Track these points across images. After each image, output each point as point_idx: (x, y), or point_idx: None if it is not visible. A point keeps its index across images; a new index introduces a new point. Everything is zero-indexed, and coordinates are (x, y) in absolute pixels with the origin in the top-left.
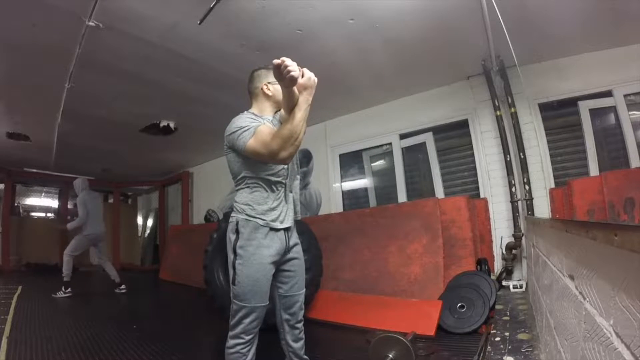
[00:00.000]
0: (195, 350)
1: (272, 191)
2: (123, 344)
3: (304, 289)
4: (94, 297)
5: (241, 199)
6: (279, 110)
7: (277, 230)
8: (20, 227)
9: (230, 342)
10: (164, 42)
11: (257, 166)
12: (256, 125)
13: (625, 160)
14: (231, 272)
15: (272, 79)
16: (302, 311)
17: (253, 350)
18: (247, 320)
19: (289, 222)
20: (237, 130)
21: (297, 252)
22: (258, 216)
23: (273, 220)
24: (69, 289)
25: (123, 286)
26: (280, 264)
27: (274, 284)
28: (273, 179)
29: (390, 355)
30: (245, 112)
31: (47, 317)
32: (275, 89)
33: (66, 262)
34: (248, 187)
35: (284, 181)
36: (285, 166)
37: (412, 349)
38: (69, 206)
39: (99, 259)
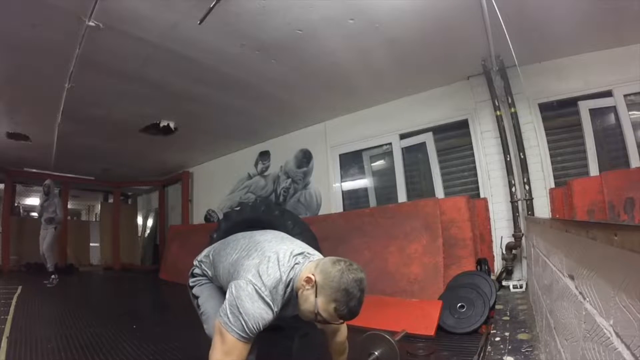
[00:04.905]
0: (196, 350)
1: None
2: (123, 344)
3: None
4: (93, 297)
5: None
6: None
7: None
8: (20, 227)
9: None
10: (164, 42)
11: None
12: (250, 332)
13: (625, 160)
14: None
15: (324, 291)
16: None
17: None
18: None
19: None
20: (234, 311)
21: None
22: None
23: None
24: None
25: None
26: None
27: None
28: None
29: (376, 353)
30: (281, 275)
31: (47, 317)
32: (307, 298)
33: (51, 256)
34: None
35: None
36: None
37: (397, 348)
38: (70, 206)
39: (51, 249)
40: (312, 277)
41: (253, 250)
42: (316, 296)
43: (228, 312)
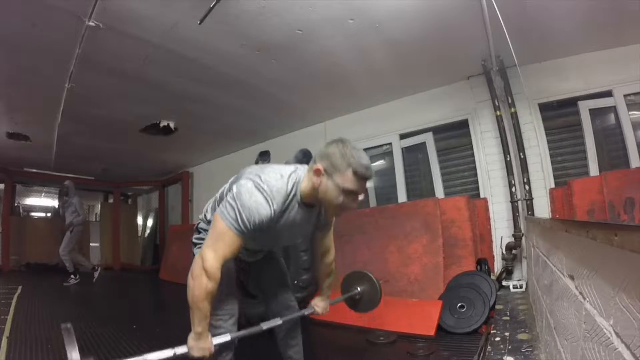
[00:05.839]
0: None
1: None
2: (123, 344)
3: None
4: (93, 297)
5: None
6: (318, 206)
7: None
8: (20, 227)
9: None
10: (164, 42)
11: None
12: (243, 224)
13: (625, 160)
14: None
15: (331, 169)
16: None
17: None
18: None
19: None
20: (231, 202)
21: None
22: None
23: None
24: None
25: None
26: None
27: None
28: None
29: (359, 289)
30: (282, 174)
31: (47, 317)
32: (329, 183)
33: (67, 259)
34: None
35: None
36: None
37: (378, 284)
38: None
39: (66, 252)
40: (319, 166)
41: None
42: (332, 178)
43: (226, 204)
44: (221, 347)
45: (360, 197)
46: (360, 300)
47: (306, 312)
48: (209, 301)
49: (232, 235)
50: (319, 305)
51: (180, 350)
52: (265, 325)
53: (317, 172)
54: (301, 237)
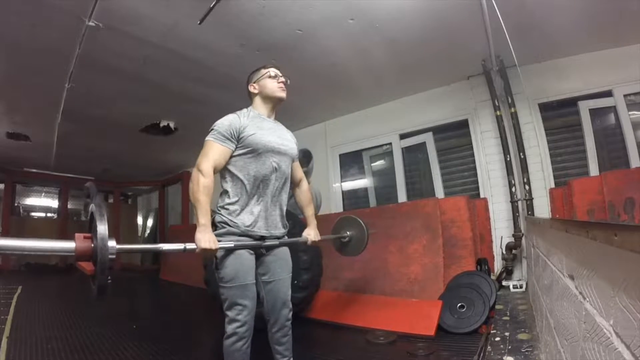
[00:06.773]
0: (195, 350)
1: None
2: (123, 344)
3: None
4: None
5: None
6: (273, 104)
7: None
8: (20, 227)
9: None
10: (164, 42)
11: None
12: (219, 133)
13: (625, 160)
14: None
15: (255, 78)
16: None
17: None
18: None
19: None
20: (214, 125)
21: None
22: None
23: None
24: None
25: None
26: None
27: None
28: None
29: (348, 233)
30: (243, 109)
31: (47, 317)
32: (259, 85)
33: None
34: (225, 182)
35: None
36: (272, 172)
37: (365, 227)
38: (70, 206)
39: None
40: (250, 87)
41: None
42: (259, 80)
43: (211, 129)
44: (238, 337)
45: (282, 76)
46: (347, 243)
47: (300, 240)
48: (205, 195)
49: (216, 145)
50: (310, 234)
51: (190, 246)
52: (265, 243)
53: (252, 88)
54: (288, 144)
